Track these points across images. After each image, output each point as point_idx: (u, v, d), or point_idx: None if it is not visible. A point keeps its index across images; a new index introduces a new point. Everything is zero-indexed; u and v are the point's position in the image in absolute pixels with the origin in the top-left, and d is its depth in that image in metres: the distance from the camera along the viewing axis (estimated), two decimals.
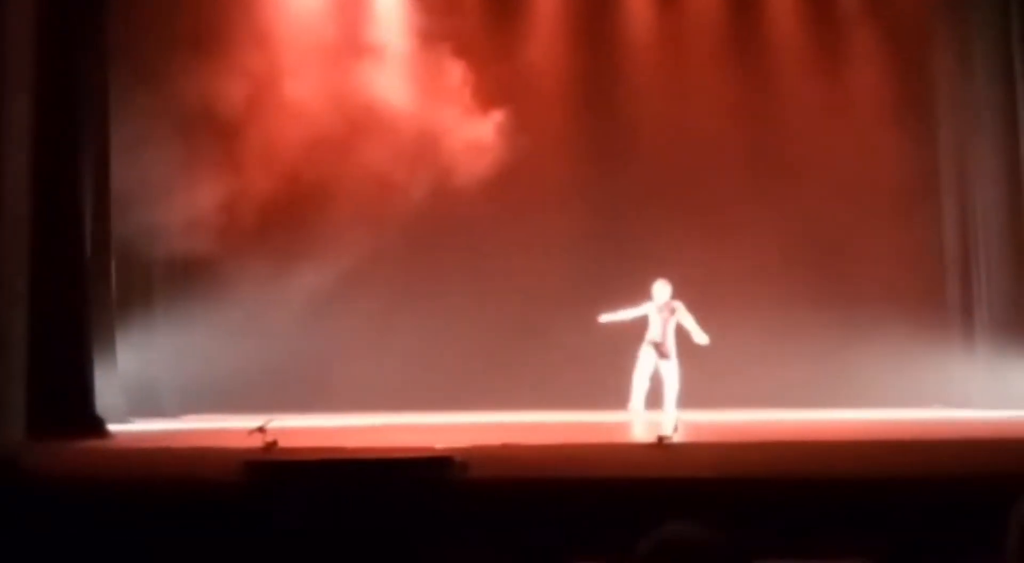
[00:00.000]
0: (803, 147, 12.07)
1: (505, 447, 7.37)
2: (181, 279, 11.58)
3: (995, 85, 11.22)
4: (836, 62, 12.32)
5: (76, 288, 9.63)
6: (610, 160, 12.21)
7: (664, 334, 10.34)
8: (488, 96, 11.69)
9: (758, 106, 12.24)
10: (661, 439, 7.47)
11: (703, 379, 11.29)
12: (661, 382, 10.35)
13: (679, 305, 10.39)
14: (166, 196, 11.01)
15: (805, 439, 8.15)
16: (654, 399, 10.34)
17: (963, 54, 11.60)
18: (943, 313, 11.90)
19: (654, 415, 10.01)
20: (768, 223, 11.89)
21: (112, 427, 9.53)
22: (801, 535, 4.80)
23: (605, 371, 11.33)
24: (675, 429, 7.64)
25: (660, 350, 10.33)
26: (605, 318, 10.40)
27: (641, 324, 10.49)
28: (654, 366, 10.35)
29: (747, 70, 12.30)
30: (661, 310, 10.39)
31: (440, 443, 7.24)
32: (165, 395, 11.31)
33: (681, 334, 10.41)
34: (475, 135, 11.59)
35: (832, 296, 11.64)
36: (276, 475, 5.55)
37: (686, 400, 10.29)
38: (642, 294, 11.14)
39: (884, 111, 12.06)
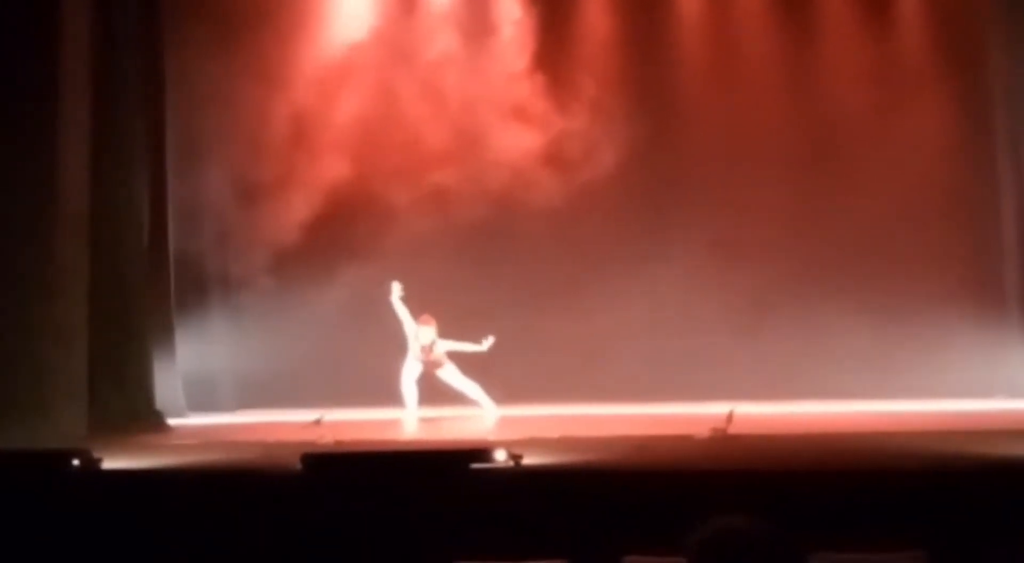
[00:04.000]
0: (858, 138, 11.89)
1: (561, 440, 7.39)
2: (237, 278, 11.70)
3: None
4: (891, 57, 12.14)
5: (136, 286, 9.81)
6: (660, 147, 12.08)
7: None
8: (548, 97, 11.67)
9: (813, 99, 12.07)
10: (715, 432, 7.45)
11: (761, 371, 11.22)
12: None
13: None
14: (224, 197, 11.16)
15: (864, 431, 8.08)
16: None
17: (1019, 41, 11.41)
18: (1003, 303, 11.71)
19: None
20: (825, 215, 11.75)
21: (172, 421, 9.71)
22: (857, 527, 4.77)
23: (660, 363, 11.30)
24: (729, 421, 7.62)
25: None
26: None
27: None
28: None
29: (800, 66, 12.12)
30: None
31: (495, 436, 7.28)
32: (222, 390, 11.46)
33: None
34: (532, 137, 11.59)
35: (891, 288, 11.48)
36: (333, 466, 5.62)
37: (747, 392, 10.25)
38: (696, 281, 11.12)
39: (940, 102, 11.87)
